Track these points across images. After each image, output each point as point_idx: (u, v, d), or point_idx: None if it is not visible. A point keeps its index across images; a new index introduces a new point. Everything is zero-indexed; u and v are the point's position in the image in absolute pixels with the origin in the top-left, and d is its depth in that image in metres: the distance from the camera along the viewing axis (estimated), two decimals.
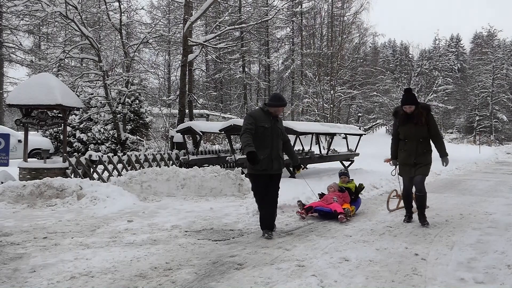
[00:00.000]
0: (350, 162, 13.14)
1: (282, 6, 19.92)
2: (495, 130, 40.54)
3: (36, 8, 12.88)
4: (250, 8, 25.81)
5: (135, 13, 20.32)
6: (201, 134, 10.37)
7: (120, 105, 14.82)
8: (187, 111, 14.17)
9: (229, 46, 17.61)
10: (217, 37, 16.59)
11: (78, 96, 13.41)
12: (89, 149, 15.18)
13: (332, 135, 13.57)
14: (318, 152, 12.63)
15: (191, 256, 4.14)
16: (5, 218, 5.81)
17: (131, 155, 9.79)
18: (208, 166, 9.09)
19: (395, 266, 3.88)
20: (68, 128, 15.23)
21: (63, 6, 11.71)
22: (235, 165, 10.31)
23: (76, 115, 16.36)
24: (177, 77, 22.32)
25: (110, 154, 9.65)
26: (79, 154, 12.05)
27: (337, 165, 13.36)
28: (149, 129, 17.27)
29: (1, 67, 25.06)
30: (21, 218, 5.88)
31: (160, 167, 9.34)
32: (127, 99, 15.35)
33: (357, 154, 13.39)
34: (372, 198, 8.00)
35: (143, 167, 9.65)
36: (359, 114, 38.74)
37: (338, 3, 32.25)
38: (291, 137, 11.67)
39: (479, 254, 4.26)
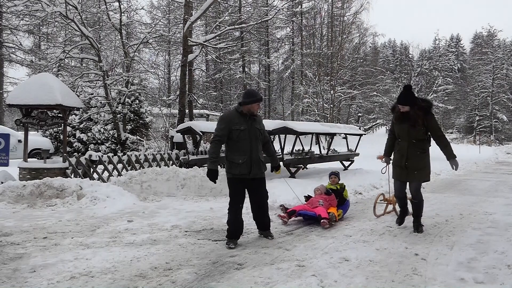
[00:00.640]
0: (350, 162, 13.13)
1: (282, 6, 19.92)
2: (495, 130, 40.56)
3: (36, 8, 12.87)
4: (250, 8, 25.80)
5: (135, 13, 20.37)
6: (201, 134, 10.35)
7: (120, 105, 14.82)
8: (187, 111, 14.16)
9: (229, 46, 17.59)
10: (217, 37, 16.58)
11: (78, 96, 13.40)
12: (89, 149, 15.18)
13: (332, 135, 13.57)
14: (318, 152, 12.62)
15: (191, 256, 4.14)
16: (5, 218, 5.81)
17: (131, 155, 9.79)
18: None
19: (395, 266, 3.88)
20: (68, 128, 15.24)
21: (63, 6, 11.71)
22: None
23: (76, 115, 16.36)
24: (177, 77, 22.32)
25: (110, 154, 9.64)
26: (79, 154, 12.05)
27: (337, 165, 13.35)
28: (149, 129, 17.27)
29: (1, 67, 25.06)
30: (21, 218, 5.88)
31: (160, 167, 9.34)
32: (127, 99, 15.36)
33: (357, 154, 13.38)
34: (372, 198, 7.99)
35: (143, 167, 9.64)
36: (359, 114, 38.73)
37: (338, 3, 32.24)
38: (291, 137, 11.71)
39: (479, 254, 4.26)
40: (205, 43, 13.58)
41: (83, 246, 4.47)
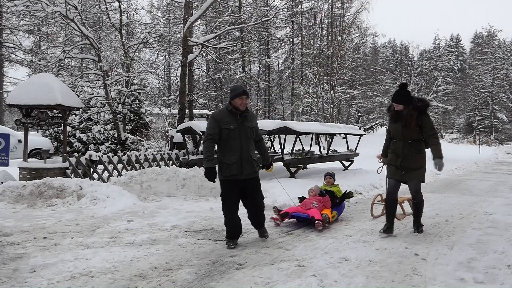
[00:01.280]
0: (350, 162, 13.13)
1: (282, 6, 19.91)
2: (495, 130, 40.58)
3: (36, 8, 12.87)
4: (250, 8, 25.77)
5: (135, 13, 20.32)
6: (201, 134, 10.32)
7: (120, 105, 14.82)
8: (187, 111, 14.16)
9: (229, 46, 17.59)
10: (217, 37, 16.58)
11: (78, 96, 13.41)
12: (89, 149, 15.18)
13: (332, 135, 13.57)
14: (318, 152, 12.63)
15: (191, 256, 4.14)
16: (5, 218, 5.81)
17: (131, 155, 9.79)
18: None
19: (395, 266, 3.87)
20: (68, 128, 15.24)
21: (63, 6, 11.71)
22: None
23: (76, 115, 16.36)
24: (177, 77, 22.33)
25: (110, 154, 9.64)
26: (79, 154, 12.05)
27: (337, 165, 13.36)
28: (149, 129, 17.27)
29: (1, 67, 25.05)
30: (21, 218, 5.88)
31: (160, 167, 9.34)
32: (127, 99, 15.36)
33: (357, 154, 13.38)
34: (371, 198, 7.98)
35: (143, 167, 9.64)
36: (359, 114, 38.71)
37: (338, 3, 32.23)
38: (291, 137, 11.71)
39: (479, 254, 4.26)
40: (205, 43, 13.58)
41: (83, 246, 4.47)
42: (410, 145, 4.92)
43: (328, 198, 5.87)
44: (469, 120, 42.78)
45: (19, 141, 12.64)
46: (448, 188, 10.02)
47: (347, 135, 14.23)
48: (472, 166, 16.80)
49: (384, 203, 6.05)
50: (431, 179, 11.83)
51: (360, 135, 13.87)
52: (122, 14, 14.26)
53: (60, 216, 5.98)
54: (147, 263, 3.90)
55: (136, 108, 16.20)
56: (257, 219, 4.82)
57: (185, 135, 11.44)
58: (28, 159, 9.03)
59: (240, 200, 4.68)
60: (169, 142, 13.68)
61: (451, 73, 45.86)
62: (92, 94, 16.09)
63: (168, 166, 9.45)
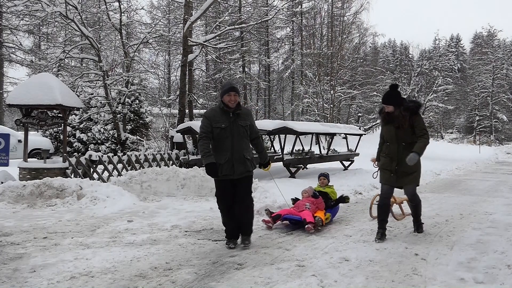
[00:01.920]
0: (350, 162, 13.13)
1: (282, 6, 19.89)
2: (495, 130, 40.59)
3: (36, 8, 12.88)
4: (250, 8, 25.76)
5: (135, 13, 20.29)
6: None
7: (120, 105, 14.82)
8: (187, 111, 14.17)
9: (229, 46, 17.60)
10: (217, 37, 16.59)
11: (78, 96, 13.41)
12: (89, 149, 15.19)
13: (332, 135, 13.57)
14: (318, 152, 12.63)
15: (191, 256, 4.14)
16: (5, 218, 5.81)
17: (131, 155, 9.79)
18: None
19: (395, 266, 3.87)
20: (68, 128, 15.24)
21: (63, 6, 11.72)
22: None
23: (76, 115, 16.37)
24: (177, 77, 22.34)
25: (110, 154, 9.65)
26: (79, 154, 12.05)
27: (337, 165, 13.36)
28: (149, 129, 17.28)
29: (1, 67, 25.06)
30: (21, 218, 5.88)
31: (160, 167, 9.34)
32: (127, 99, 15.36)
33: (357, 154, 13.37)
34: (371, 198, 7.99)
35: (143, 167, 9.65)
36: (359, 114, 38.69)
37: (338, 3, 32.23)
38: (291, 137, 11.71)
39: (479, 254, 4.26)
40: (205, 43, 13.59)
41: (83, 246, 4.47)
42: (405, 148, 4.76)
43: (322, 200, 5.70)
44: (469, 120, 42.79)
45: (19, 141, 12.64)
46: (448, 188, 10.02)
47: (347, 135, 14.23)
48: (472, 166, 16.80)
49: None
50: (431, 179, 11.84)
51: (360, 135, 13.86)
52: (122, 14, 14.26)
53: (60, 216, 5.98)
54: (147, 263, 3.90)
55: (136, 108, 16.21)
56: (240, 222, 4.55)
57: (185, 135, 11.44)
58: (28, 159, 9.03)
59: None
60: (169, 142, 13.69)
61: (451, 73, 45.84)
62: (92, 94, 16.10)
63: (168, 166, 9.45)
